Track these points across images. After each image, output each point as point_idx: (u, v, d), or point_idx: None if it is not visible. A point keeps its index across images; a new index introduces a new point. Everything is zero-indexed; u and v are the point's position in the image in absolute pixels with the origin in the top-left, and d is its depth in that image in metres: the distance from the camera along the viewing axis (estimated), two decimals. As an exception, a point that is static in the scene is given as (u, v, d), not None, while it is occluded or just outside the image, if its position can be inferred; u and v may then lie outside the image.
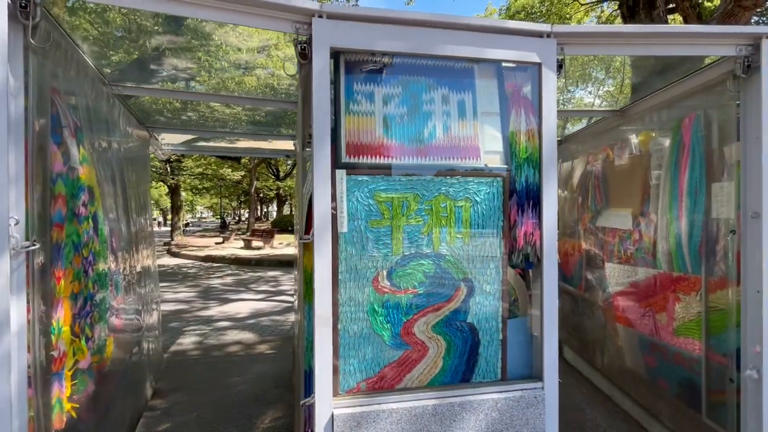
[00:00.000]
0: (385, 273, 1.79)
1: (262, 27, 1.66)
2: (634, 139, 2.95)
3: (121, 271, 2.30)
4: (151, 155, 4.27)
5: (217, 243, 19.14)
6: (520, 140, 1.91)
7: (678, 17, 7.00)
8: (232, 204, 43.08)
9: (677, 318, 2.49)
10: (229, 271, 11.39)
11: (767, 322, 1.89)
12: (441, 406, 1.76)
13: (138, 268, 2.84)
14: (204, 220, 59.53)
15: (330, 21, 1.67)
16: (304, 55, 1.71)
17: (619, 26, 2.01)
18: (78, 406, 1.77)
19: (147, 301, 3.14)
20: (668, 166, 2.49)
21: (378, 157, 1.79)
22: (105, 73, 2.42)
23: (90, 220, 1.86)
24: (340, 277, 1.75)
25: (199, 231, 30.65)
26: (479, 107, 1.90)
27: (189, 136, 4.67)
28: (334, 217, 1.71)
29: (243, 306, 7.00)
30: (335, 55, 1.79)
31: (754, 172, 1.93)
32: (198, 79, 3.22)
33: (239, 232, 22.81)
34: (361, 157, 1.77)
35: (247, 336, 5.30)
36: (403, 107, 1.83)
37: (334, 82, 1.79)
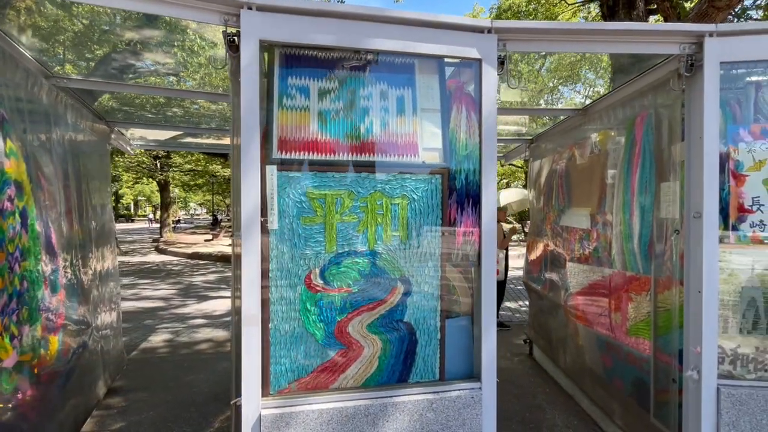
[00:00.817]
0: (317, 271, 1.76)
1: (189, 18, 1.62)
2: (594, 138, 2.94)
3: (60, 268, 2.25)
4: (123, 152, 4.17)
5: (206, 240, 19.00)
6: (460, 137, 1.89)
7: (661, 18, 7.00)
8: (226, 201, 42.76)
9: (630, 318, 2.48)
10: (214, 269, 11.30)
11: (707, 322, 1.88)
12: (374, 406, 1.73)
13: (89, 266, 2.79)
14: (197, 216, 59.07)
15: (259, 13, 1.63)
16: (234, 47, 1.67)
17: (563, 23, 1.99)
18: (2, 405, 1.72)
19: (102, 300, 3.09)
20: (622, 165, 2.48)
21: (312, 153, 1.75)
22: (49, 66, 2.36)
23: (17, 215, 1.80)
24: (270, 275, 1.72)
25: (190, 228, 30.42)
26: (419, 103, 1.87)
27: (172, 133, 4.55)
28: (264, 214, 1.68)
29: (221, 303, 6.94)
30: (269, 48, 1.75)
31: (696, 172, 1.92)
32: (182, 74, 3.15)
33: (230, 230, 22.62)
34: (294, 153, 1.73)
35: (220, 333, 5.25)
36: (340, 102, 1.79)
37: (268, 76, 1.75)
